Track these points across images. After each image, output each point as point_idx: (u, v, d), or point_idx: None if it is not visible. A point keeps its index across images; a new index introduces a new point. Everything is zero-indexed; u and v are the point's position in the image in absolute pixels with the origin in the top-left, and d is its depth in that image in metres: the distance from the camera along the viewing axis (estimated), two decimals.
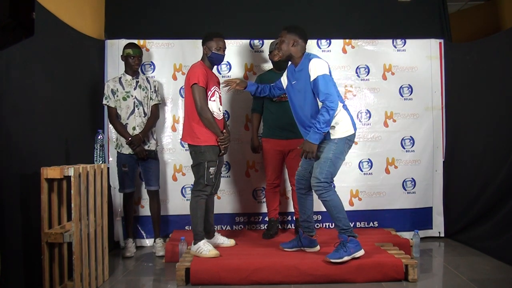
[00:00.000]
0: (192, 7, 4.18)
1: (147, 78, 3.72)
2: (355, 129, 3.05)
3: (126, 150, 3.57)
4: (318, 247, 3.22)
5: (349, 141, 3.03)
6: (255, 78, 3.84)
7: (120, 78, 3.63)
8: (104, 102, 3.57)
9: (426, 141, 4.06)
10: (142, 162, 3.63)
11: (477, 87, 3.80)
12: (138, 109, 3.59)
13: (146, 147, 3.60)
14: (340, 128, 2.98)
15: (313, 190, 3.06)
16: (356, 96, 4.06)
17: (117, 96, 3.57)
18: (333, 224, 3.09)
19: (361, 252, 2.96)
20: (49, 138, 2.95)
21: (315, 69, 2.94)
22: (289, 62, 3.21)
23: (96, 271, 2.84)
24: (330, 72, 3.00)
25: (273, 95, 3.44)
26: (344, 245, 2.92)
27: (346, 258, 2.89)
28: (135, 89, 3.61)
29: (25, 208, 2.59)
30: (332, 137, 2.97)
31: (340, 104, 3.00)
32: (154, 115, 3.68)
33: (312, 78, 2.95)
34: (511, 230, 3.25)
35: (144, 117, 3.62)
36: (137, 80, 3.64)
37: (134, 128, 3.57)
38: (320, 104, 2.96)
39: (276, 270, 2.89)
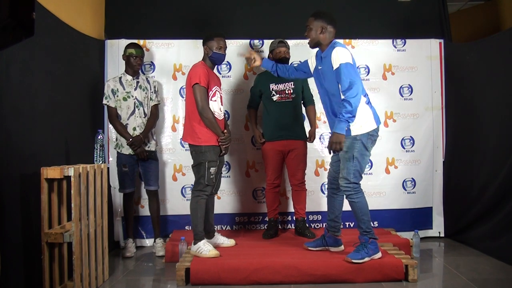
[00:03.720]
0: (192, 7, 4.18)
1: (147, 78, 3.72)
2: (378, 123, 2.97)
3: (126, 150, 3.57)
4: (342, 247, 3.19)
5: (372, 136, 2.94)
6: (255, 78, 3.84)
7: (120, 78, 3.62)
8: (104, 102, 3.56)
9: (426, 141, 4.06)
10: (142, 163, 3.63)
11: (477, 87, 3.80)
12: (138, 109, 3.59)
13: (146, 148, 3.60)
14: (361, 124, 2.89)
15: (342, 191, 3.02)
16: None
17: (118, 96, 3.56)
18: (356, 225, 3.05)
19: (379, 254, 2.97)
20: (49, 138, 2.95)
21: (338, 57, 2.84)
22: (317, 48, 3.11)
23: (96, 271, 2.83)
24: (354, 61, 2.89)
25: (295, 76, 3.33)
26: (365, 246, 2.93)
27: (366, 259, 2.91)
28: (135, 89, 3.60)
29: (25, 208, 2.59)
30: (353, 133, 2.88)
31: (363, 99, 2.90)
32: (154, 116, 3.68)
33: (335, 67, 2.85)
34: (511, 230, 3.25)
35: (144, 117, 3.61)
36: (138, 80, 3.63)
37: (134, 129, 3.56)
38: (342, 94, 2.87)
39: (276, 270, 2.89)
